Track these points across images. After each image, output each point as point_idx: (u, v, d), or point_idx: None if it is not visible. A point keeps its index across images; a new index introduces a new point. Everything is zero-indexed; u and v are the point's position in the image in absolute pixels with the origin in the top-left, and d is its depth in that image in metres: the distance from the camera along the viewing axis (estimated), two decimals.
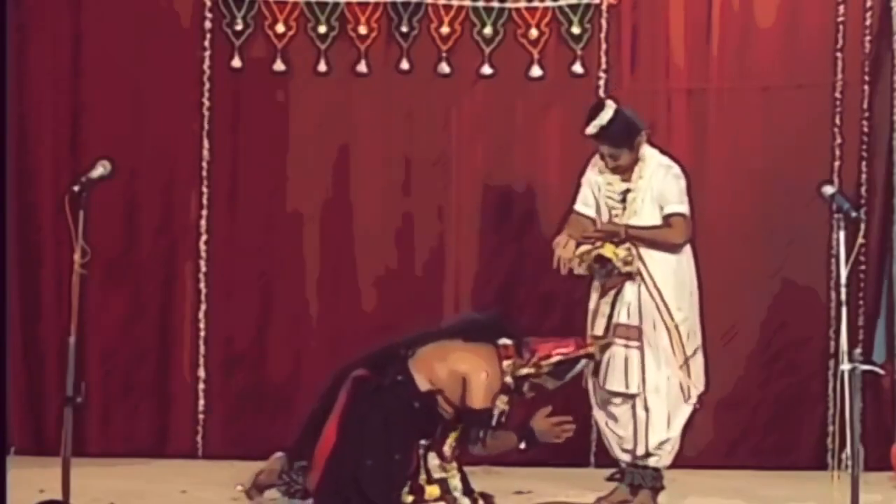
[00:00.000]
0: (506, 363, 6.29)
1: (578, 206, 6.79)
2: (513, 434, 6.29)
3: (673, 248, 6.59)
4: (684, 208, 6.61)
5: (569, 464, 7.66)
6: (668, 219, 6.58)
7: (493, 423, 6.20)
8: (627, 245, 6.55)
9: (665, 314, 6.56)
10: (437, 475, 6.26)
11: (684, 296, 6.62)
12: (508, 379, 6.30)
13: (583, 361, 6.41)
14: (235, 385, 7.86)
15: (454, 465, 6.30)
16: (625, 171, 6.63)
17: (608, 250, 6.54)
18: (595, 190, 6.72)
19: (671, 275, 6.59)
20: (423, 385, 6.21)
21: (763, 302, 7.85)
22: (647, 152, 6.65)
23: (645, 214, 6.60)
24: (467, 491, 6.33)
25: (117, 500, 6.63)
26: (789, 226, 7.84)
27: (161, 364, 7.86)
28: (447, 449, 6.28)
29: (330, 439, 6.16)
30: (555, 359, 6.33)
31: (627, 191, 6.63)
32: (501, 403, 6.28)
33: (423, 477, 6.22)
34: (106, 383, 7.79)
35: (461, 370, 6.21)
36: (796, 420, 7.83)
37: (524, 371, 6.31)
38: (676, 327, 6.57)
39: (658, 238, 6.56)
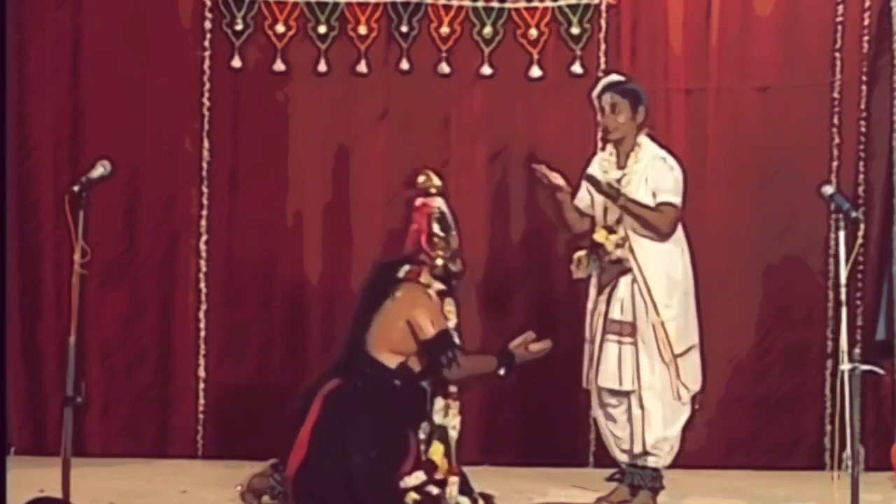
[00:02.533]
0: (423, 279, 6.29)
1: (575, 202, 6.85)
2: (492, 358, 6.29)
3: (659, 234, 6.60)
4: (676, 199, 6.63)
5: (569, 464, 7.68)
6: (659, 206, 6.61)
7: (455, 339, 6.21)
8: (621, 233, 6.59)
9: (651, 310, 6.57)
10: (437, 420, 6.22)
11: (675, 293, 6.62)
12: (437, 285, 6.30)
13: (440, 203, 6.35)
14: (235, 385, 7.87)
15: (457, 404, 6.26)
16: (620, 146, 6.67)
17: (601, 235, 6.62)
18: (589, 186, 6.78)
19: (662, 272, 6.61)
20: (391, 362, 6.21)
21: (762, 302, 7.85)
22: (645, 142, 6.71)
23: (639, 199, 6.62)
24: (467, 490, 6.33)
25: (117, 500, 6.63)
26: (788, 226, 7.85)
27: (161, 364, 7.87)
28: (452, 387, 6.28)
29: (301, 451, 6.14)
30: (432, 228, 6.31)
31: (622, 177, 6.66)
32: (451, 314, 6.28)
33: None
34: (106, 383, 7.79)
35: (403, 321, 6.20)
36: (796, 420, 7.83)
37: (438, 264, 6.30)
38: (662, 324, 6.57)
39: (647, 218, 6.57)
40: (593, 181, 6.62)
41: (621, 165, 6.68)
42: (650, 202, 6.59)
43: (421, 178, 6.42)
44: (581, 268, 6.70)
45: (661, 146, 6.76)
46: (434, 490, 6.16)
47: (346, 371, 6.28)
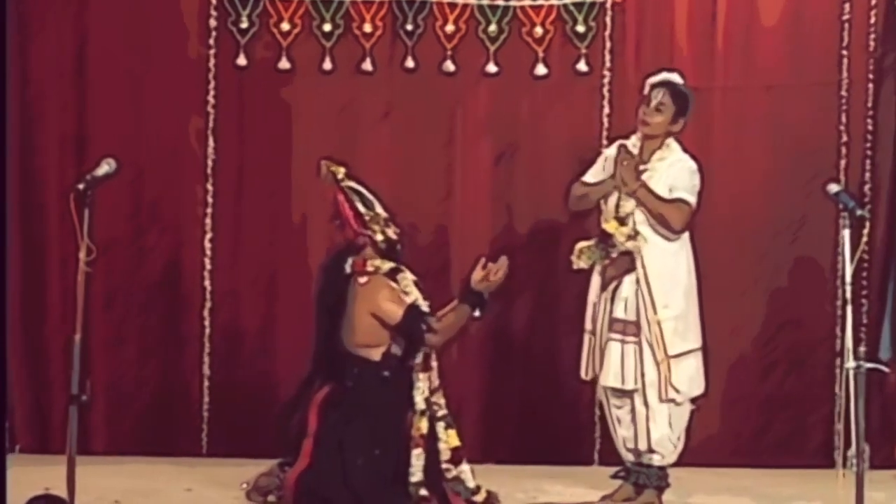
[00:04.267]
0: (369, 267, 6.24)
1: (586, 178, 6.84)
2: (463, 306, 6.20)
3: (669, 230, 6.60)
4: (692, 199, 6.63)
5: (573, 462, 7.67)
6: (674, 201, 6.61)
7: (423, 307, 6.17)
8: (631, 225, 6.60)
9: (650, 308, 6.57)
10: (418, 403, 6.19)
11: (676, 294, 6.62)
12: (386, 265, 6.24)
13: (350, 184, 6.29)
14: (240, 383, 7.86)
15: (425, 375, 6.20)
16: (647, 142, 6.68)
17: (611, 226, 6.62)
18: (609, 166, 6.77)
19: (665, 271, 6.62)
20: (375, 355, 6.18)
21: (768, 300, 7.85)
22: (673, 144, 6.74)
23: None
24: (472, 485, 6.31)
25: (122, 498, 6.63)
26: (794, 224, 7.84)
27: (166, 362, 7.87)
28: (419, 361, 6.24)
29: (304, 460, 6.13)
30: (358, 210, 6.25)
31: (643, 172, 6.66)
32: (409, 287, 6.23)
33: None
34: (111, 381, 7.79)
35: (367, 315, 6.15)
36: (802, 418, 7.83)
37: (378, 238, 6.25)
38: (659, 323, 6.57)
39: (661, 211, 6.58)
40: (626, 153, 6.62)
41: (644, 161, 6.69)
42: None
43: (324, 171, 6.34)
44: (582, 258, 6.70)
45: (687, 152, 6.76)
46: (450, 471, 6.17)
47: (334, 375, 6.25)
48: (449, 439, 6.19)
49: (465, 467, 6.21)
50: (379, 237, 6.26)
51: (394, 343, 6.20)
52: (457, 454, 6.20)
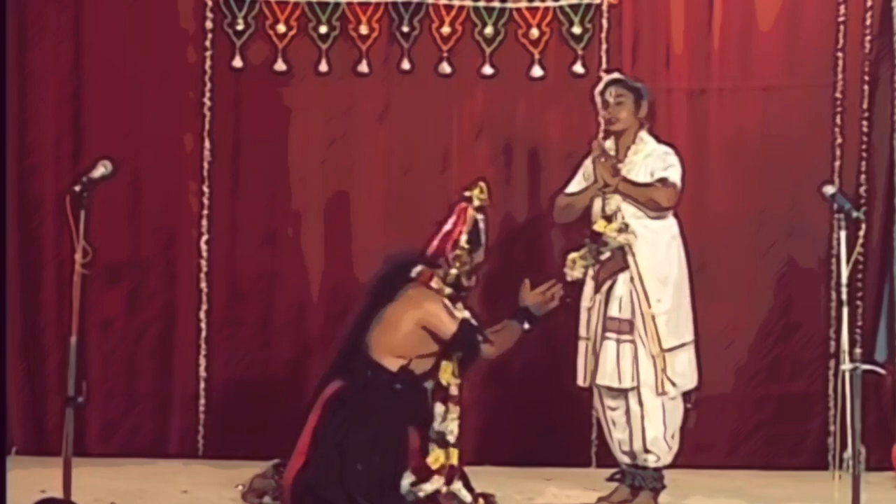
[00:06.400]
0: (433, 283, 6.30)
1: (568, 189, 6.87)
2: (513, 323, 6.36)
3: (660, 208, 6.61)
4: (673, 176, 6.64)
5: (570, 464, 7.67)
6: (655, 182, 6.63)
7: (475, 323, 6.25)
8: (620, 220, 6.61)
9: (644, 302, 6.57)
10: (435, 426, 6.22)
11: (667, 288, 6.63)
12: (447, 290, 6.30)
13: (479, 217, 6.38)
14: (236, 385, 7.86)
15: (457, 409, 6.27)
16: (621, 140, 6.71)
17: (600, 225, 6.65)
18: (588, 173, 6.79)
19: (656, 266, 6.62)
20: (393, 365, 6.17)
21: (764, 301, 7.85)
22: (647, 137, 6.76)
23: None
24: (468, 489, 6.31)
25: (118, 499, 6.63)
26: (790, 226, 7.85)
27: (162, 364, 7.86)
28: (451, 386, 6.28)
29: (300, 457, 6.12)
30: (460, 238, 6.32)
31: (621, 169, 6.68)
32: (461, 313, 6.28)
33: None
34: (107, 383, 7.78)
35: (413, 324, 6.18)
36: (798, 420, 7.83)
37: (452, 273, 6.32)
38: (653, 317, 6.58)
39: (648, 194, 6.61)
40: (603, 152, 6.65)
41: (620, 158, 6.71)
42: None
43: (475, 190, 6.43)
44: (576, 267, 6.72)
45: (662, 143, 6.77)
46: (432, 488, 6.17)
47: (346, 373, 6.25)
48: (448, 456, 6.21)
49: (457, 485, 6.23)
50: (452, 272, 6.32)
51: (417, 360, 6.19)
52: (450, 472, 6.22)
